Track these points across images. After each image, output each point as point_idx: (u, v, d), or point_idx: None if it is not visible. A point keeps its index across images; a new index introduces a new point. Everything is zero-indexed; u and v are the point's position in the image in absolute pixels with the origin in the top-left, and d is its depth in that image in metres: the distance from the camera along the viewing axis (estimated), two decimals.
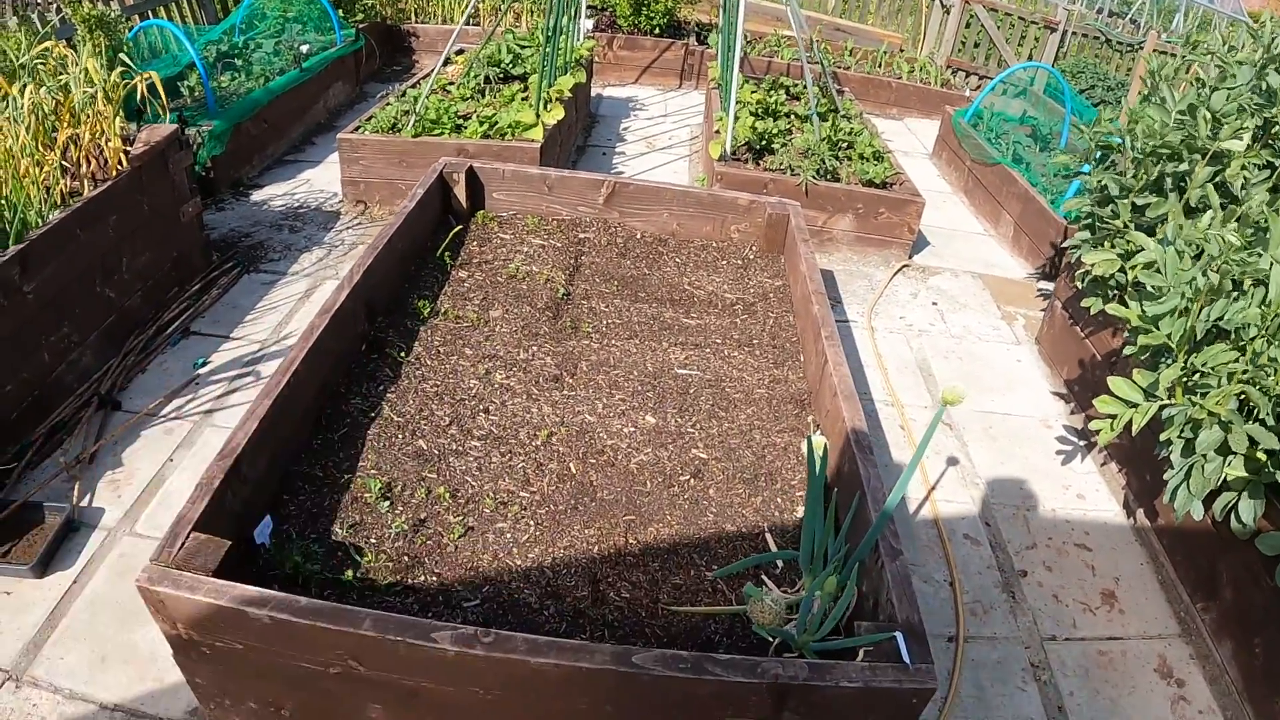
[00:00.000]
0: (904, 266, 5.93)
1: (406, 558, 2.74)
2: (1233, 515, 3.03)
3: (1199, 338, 3.21)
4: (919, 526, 3.77)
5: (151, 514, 3.41)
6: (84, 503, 3.43)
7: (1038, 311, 5.60)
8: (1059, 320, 4.89)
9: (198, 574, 2.23)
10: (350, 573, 2.64)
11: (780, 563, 2.86)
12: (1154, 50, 7.69)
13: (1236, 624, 3.25)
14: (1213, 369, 3.06)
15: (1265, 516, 3.00)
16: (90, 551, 3.24)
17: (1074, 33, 10.62)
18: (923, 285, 5.77)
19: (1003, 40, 10.34)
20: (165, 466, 3.64)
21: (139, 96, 4.82)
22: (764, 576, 2.80)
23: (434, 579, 2.69)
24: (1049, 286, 5.90)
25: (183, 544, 2.32)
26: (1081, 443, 4.42)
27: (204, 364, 4.23)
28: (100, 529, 3.33)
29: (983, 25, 10.33)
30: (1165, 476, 3.24)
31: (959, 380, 4.77)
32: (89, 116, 4.09)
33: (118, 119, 4.23)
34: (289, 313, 4.72)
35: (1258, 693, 3.08)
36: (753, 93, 7.28)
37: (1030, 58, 10.43)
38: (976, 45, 10.57)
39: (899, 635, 2.26)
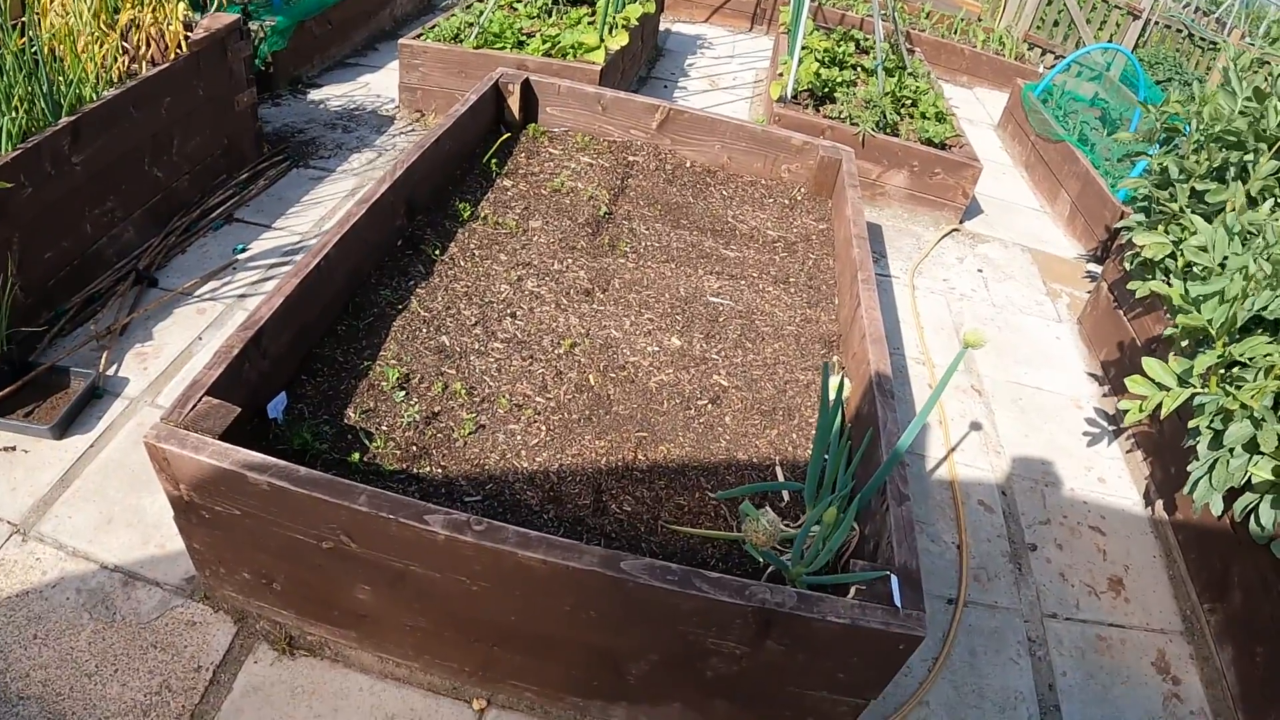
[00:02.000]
0: (953, 230, 5.83)
1: (415, 448, 2.74)
2: (1253, 518, 2.96)
3: (1239, 326, 3.13)
4: (934, 486, 3.73)
5: (174, 388, 3.44)
6: (110, 371, 3.47)
7: (1083, 292, 5.49)
8: (1103, 302, 4.79)
9: (205, 436, 2.24)
10: (357, 455, 2.65)
11: (786, 495, 2.84)
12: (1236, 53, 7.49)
13: (1241, 629, 3.18)
14: (1250, 360, 2.99)
15: None
16: (110, 419, 3.28)
17: (1157, 22, 10.33)
18: (970, 251, 5.68)
19: (1083, 20, 10.07)
20: (193, 344, 3.67)
21: None
22: (766, 505, 2.77)
23: (439, 471, 2.69)
24: (1098, 269, 5.78)
25: (194, 406, 2.33)
26: (1110, 427, 4.35)
27: (243, 250, 4.24)
28: (123, 398, 3.37)
29: (1065, 3, 10.07)
30: (1189, 468, 3.18)
31: (995, 348, 4.70)
32: (151, 1, 4.07)
33: (181, 3, 4.21)
34: (332, 209, 4.71)
35: (1253, 703, 3.02)
36: (822, 41, 7.15)
37: (1110, 40, 10.16)
38: (1056, 24, 10.31)
39: (893, 578, 2.22)
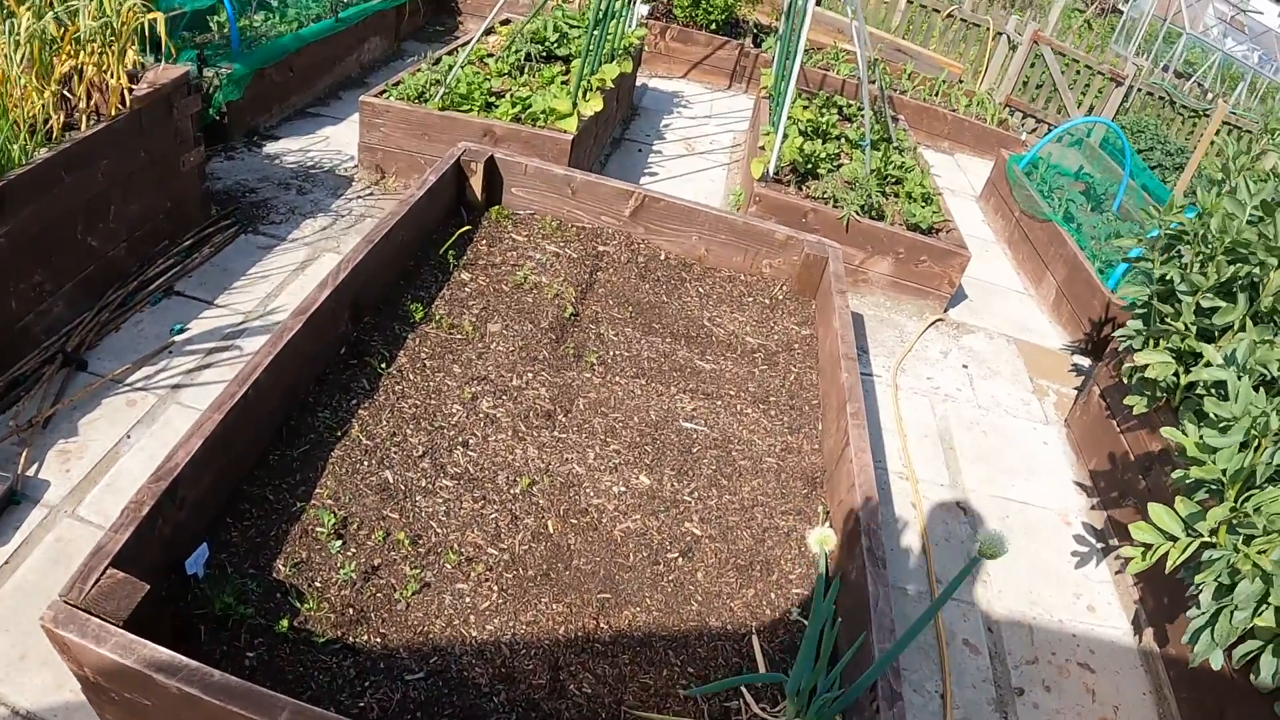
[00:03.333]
0: (937, 320, 5.59)
1: (351, 610, 2.44)
2: (1254, 667, 2.73)
3: (1258, 479, 2.89)
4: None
5: (98, 497, 3.11)
6: (30, 472, 3.14)
7: (1070, 389, 5.27)
8: (1095, 408, 4.56)
9: (108, 621, 1.97)
10: (286, 622, 2.36)
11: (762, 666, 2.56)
12: (1222, 123, 7.35)
13: None
14: (1271, 517, 2.75)
15: None
16: (28, 530, 2.96)
17: (1139, 89, 10.23)
18: (954, 344, 5.44)
19: (1066, 86, 9.94)
20: (121, 443, 3.35)
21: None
22: (744, 689, 2.49)
23: (378, 640, 2.40)
24: (1084, 362, 5.57)
25: (96, 581, 2.04)
26: (1099, 545, 4.11)
27: (181, 330, 3.93)
28: (42, 505, 3.05)
29: (1047, 67, 9.93)
30: (1188, 614, 2.94)
31: (981, 456, 4.46)
32: (94, 48, 3.75)
33: (130, 53, 3.89)
34: (280, 284, 4.40)
35: None
36: (804, 109, 6.93)
37: (1092, 109, 10.03)
38: (1039, 87, 10.16)
39: None
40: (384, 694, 2.29)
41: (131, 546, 2.15)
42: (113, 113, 3.79)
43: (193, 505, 2.43)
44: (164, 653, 1.92)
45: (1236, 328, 3.53)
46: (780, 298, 4.37)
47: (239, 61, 5.46)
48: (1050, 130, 9.29)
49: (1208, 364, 3.28)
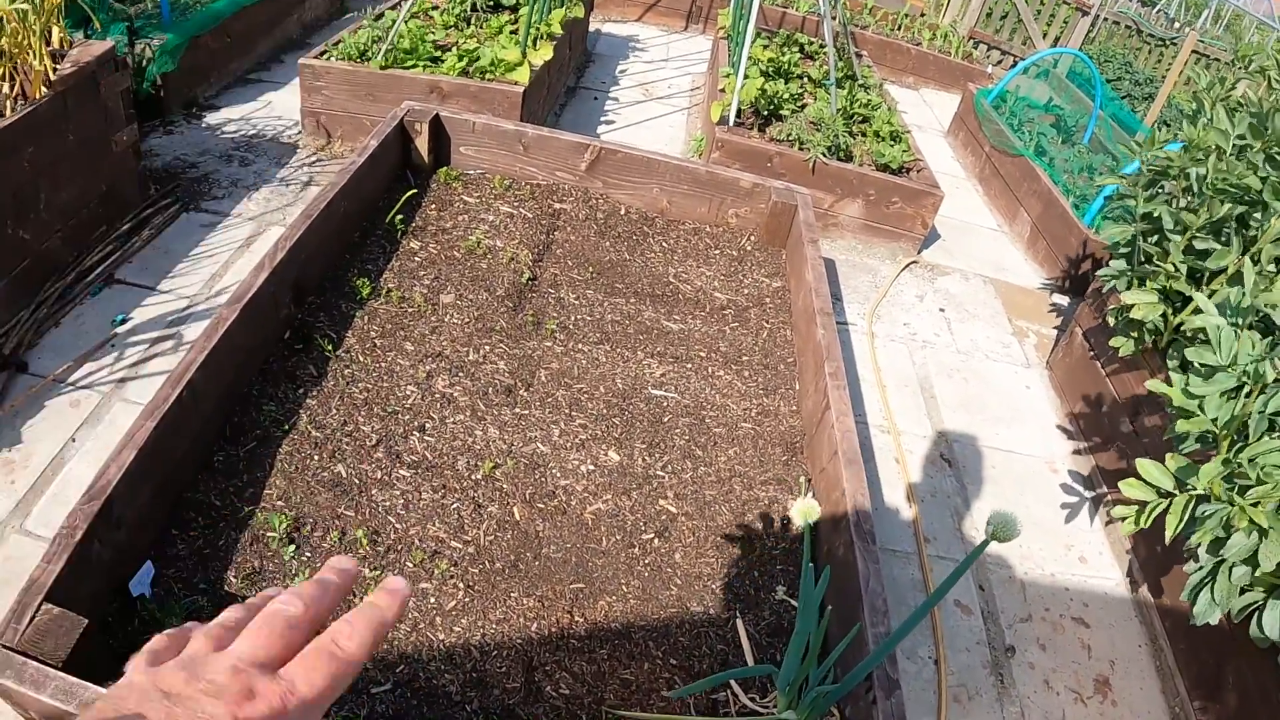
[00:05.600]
0: (911, 263, 5.41)
1: None
2: (1254, 620, 2.60)
3: (1251, 430, 2.74)
4: (907, 587, 3.32)
5: (45, 508, 2.87)
6: None
7: (1050, 329, 5.12)
8: (1077, 349, 4.41)
9: (46, 663, 1.78)
10: None
11: (750, 659, 2.39)
12: (1191, 53, 7.16)
13: None
14: (1264, 469, 2.60)
15: None
16: None
17: (1106, 18, 10.01)
18: (930, 287, 5.26)
19: (1031, 17, 9.69)
20: (67, 447, 3.11)
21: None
22: (733, 682, 2.33)
23: None
24: (1064, 301, 5.42)
25: (31, 619, 1.84)
26: (1088, 493, 3.98)
27: (123, 321, 3.67)
28: None
29: None
30: (1186, 569, 2.80)
31: (964, 405, 4.30)
32: (15, 28, 3.45)
33: (56, 31, 3.59)
34: (225, 263, 4.13)
35: None
36: (764, 48, 6.66)
37: (1058, 40, 9.81)
38: (1003, 18, 9.91)
39: None
40: (349, 710, 2.10)
41: (67, 577, 1.95)
42: (37, 95, 3.50)
43: (132, 522, 2.21)
44: None
45: (1231, 271, 3.37)
46: (749, 249, 4.16)
47: (171, 31, 5.13)
48: (1017, 63, 9.08)
49: (1197, 310, 3.11)
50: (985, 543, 1.63)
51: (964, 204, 6.50)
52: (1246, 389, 2.72)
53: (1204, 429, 2.78)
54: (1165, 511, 2.82)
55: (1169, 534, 2.75)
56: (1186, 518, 2.76)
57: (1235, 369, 2.71)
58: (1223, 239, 3.45)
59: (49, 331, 3.57)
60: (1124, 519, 2.95)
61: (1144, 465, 2.87)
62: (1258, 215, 3.36)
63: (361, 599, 2.18)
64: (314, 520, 2.48)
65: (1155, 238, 3.76)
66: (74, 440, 3.15)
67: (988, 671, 3.13)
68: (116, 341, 3.59)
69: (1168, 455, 2.88)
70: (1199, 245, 3.48)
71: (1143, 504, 2.88)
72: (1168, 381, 2.98)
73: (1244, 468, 2.62)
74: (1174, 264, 3.55)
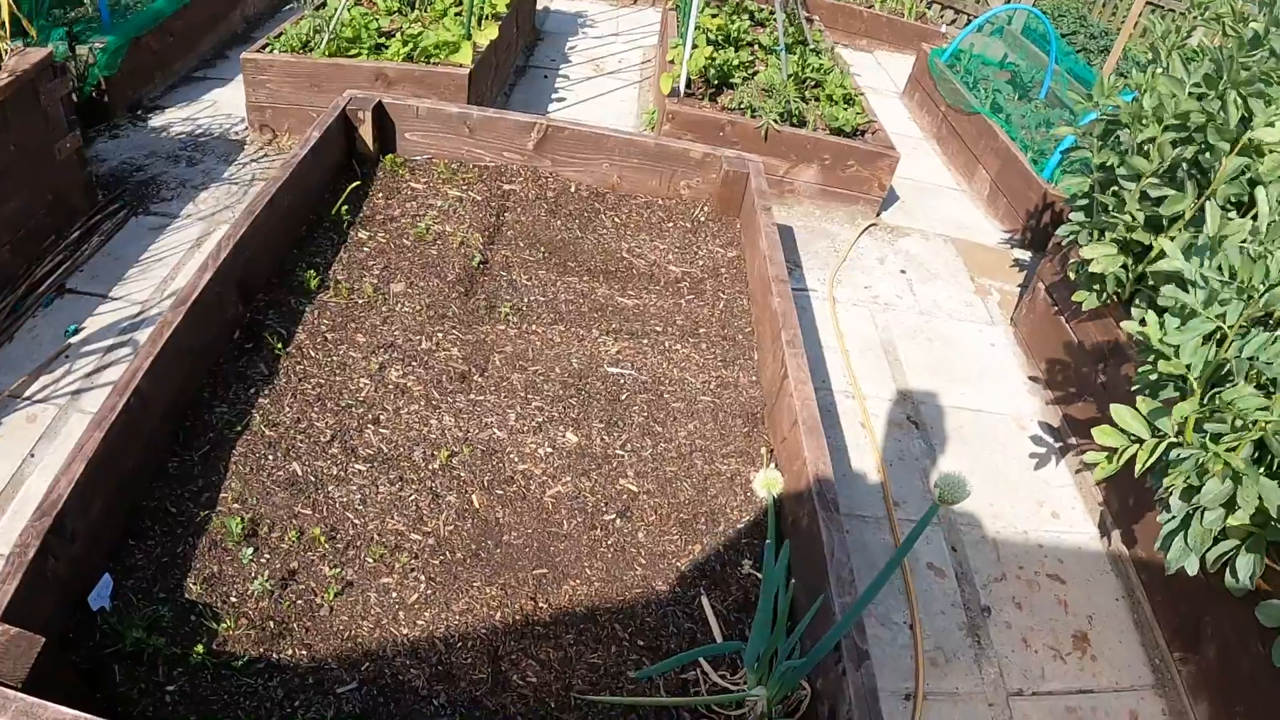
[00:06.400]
0: (870, 225, 5.37)
1: (272, 623, 2.20)
2: (1229, 569, 2.59)
3: (1224, 372, 2.71)
4: (879, 552, 3.29)
5: (8, 526, 2.80)
6: None
7: (1013, 285, 5.09)
8: (1041, 304, 4.38)
9: (6, 685, 1.72)
10: (202, 647, 2.11)
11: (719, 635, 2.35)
12: (1145, 3, 7.15)
13: (1217, 685, 2.85)
14: (1240, 414, 2.58)
15: (1263, 577, 2.60)
16: None
17: None
18: (890, 249, 5.22)
19: None
20: (25, 463, 3.03)
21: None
22: (702, 660, 2.29)
23: (303, 653, 2.16)
24: (1025, 256, 5.39)
25: None
26: (1057, 444, 3.97)
27: (76, 331, 3.58)
28: None
29: None
30: (1160, 519, 2.79)
31: (927, 366, 4.27)
32: None
33: None
34: (176, 265, 4.04)
35: None
36: (713, 17, 6.58)
37: None
38: None
39: None
40: (316, 711, 2.06)
41: (22, 596, 1.90)
42: None
43: (86, 535, 2.15)
44: (68, 714, 1.67)
45: (1188, 217, 3.34)
46: (702, 220, 4.11)
47: (112, 33, 5.01)
48: (971, 21, 9.03)
49: (1160, 256, 3.07)
50: (934, 508, 1.60)
51: (922, 165, 6.46)
52: (1219, 335, 2.69)
53: (1179, 372, 2.75)
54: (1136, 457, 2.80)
55: (1138, 469, 2.73)
56: (1156, 457, 2.74)
57: (1211, 311, 2.68)
58: (1177, 184, 3.42)
59: (2, 347, 3.49)
60: (1096, 465, 2.93)
61: (1118, 411, 2.85)
62: (1208, 156, 3.33)
63: (330, 608, 2.15)
64: (271, 520, 2.42)
65: (1112, 188, 3.73)
66: (32, 455, 3.07)
67: (964, 633, 3.10)
68: (70, 352, 3.51)
69: (1138, 399, 2.86)
70: (1153, 193, 3.44)
71: (1114, 450, 2.87)
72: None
73: (1220, 412, 2.59)
74: (1131, 214, 3.51)
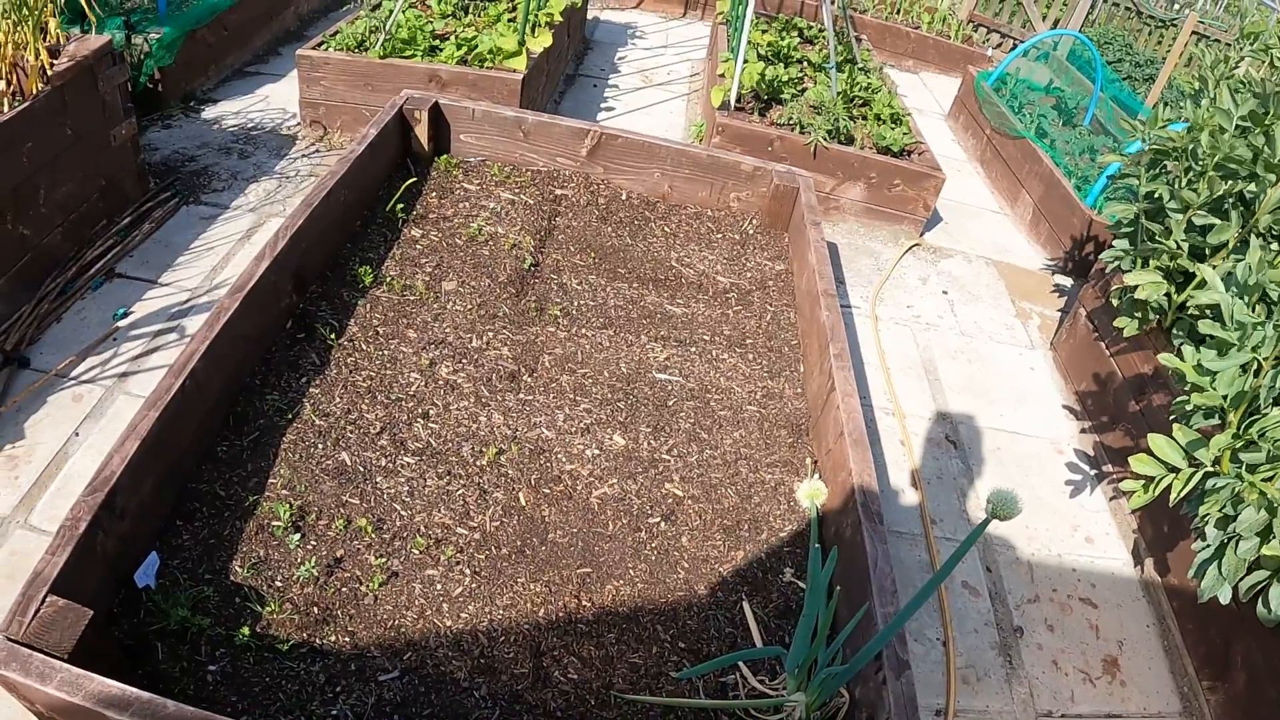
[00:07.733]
0: (914, 245, 5.39)
1: (316, 609, 2.24)
2: (1261, 599, 2.59)
3: (1261, 403, 2.73)
4: (914, 569, 3.31)
5: (50, 503, 2.86)
6: None
7: (1054, 310, 5.10)
8: (1081, 330, 4.39)
9: (52, 655, 1.77)
10: (247, 630, 2.16)
11: (758, 639, 2.38)
12: (1192, 33, 7.13)
13: (1245, 714, 2.85)
14: (1275, 442, 2.59)
15: None
16: None
17: (1105, 0, 9.95)
18: (933, 269, 5.25)
19: None
20: (70, 442, 3.10)
21: None
22: (741, 664, 2.32)
23: (346, 640, 2.20)
24: (1066, 282, 5.40)
25: (36, 612, 1.84)
26: (1092, 473, 3.97)
27: (124, 315, 3.66)
28: None
29: None
30: (1194, 548, 2.80)
31: (968, 387, 4.29)
32: (10, 25, 3.43)
33: (52, 25, 3.58)
34: (226, 255, 4.12)
35: None
36: (763, 33, 6.64)
37: (1058, 22, 9.75)
38: (1002, 1, 9.87)
39: None
40: (357, 698, 2.10)
41: (72, 568, 1.95)
42: (34, 91, 3.49)
43: (136, 513, 2.21)
44: (114, 686, 1.72)
45: (1231, 246, 3.35)
46: (751, 232, 4.15)
47: (168, 25, 5.12)
48: (1016, 45, 9.04)
49: (1201, 284, 3.09)
50: (986, 521, 1.63)
51: (965, 186, 6.48)
52: (1255, 365, 2.71)
53: (1215, 403, 2.77)
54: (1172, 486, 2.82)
55: (1173, 498, 2.75)
56: (1192, 486, 2.75)
57: (1247, 343, 2.70)
58: (1222, 214, 3.44)
59: (50, 327, 3.56)
60: (1132, 494, 2.94)
61: (1155, 440, 2.87)
62: (1253, 188, 3.34)
63: (374, 597, 2.19)
64: (319, 508, 2.47)
65: (1158, 216, 3.75)
66: (77, 434, 3.14)
67: (996, 653, 3.12)
68: (118, 335, 3.58)
69: (1175, 428, 2.88)
70: (1199, 222, 3.46)
71: (1151, 479, 2.88)
72: (1179, 357, 2.97)
73: (1256, 442, 2.61)
74: (1176, 241, 3.53)
